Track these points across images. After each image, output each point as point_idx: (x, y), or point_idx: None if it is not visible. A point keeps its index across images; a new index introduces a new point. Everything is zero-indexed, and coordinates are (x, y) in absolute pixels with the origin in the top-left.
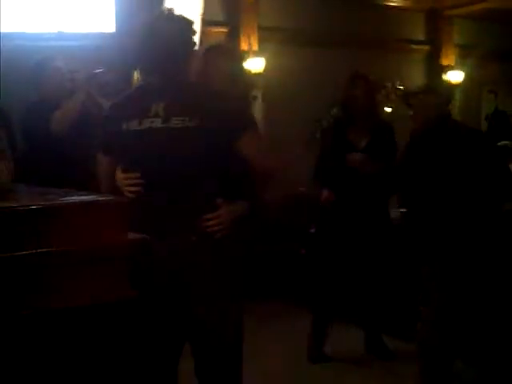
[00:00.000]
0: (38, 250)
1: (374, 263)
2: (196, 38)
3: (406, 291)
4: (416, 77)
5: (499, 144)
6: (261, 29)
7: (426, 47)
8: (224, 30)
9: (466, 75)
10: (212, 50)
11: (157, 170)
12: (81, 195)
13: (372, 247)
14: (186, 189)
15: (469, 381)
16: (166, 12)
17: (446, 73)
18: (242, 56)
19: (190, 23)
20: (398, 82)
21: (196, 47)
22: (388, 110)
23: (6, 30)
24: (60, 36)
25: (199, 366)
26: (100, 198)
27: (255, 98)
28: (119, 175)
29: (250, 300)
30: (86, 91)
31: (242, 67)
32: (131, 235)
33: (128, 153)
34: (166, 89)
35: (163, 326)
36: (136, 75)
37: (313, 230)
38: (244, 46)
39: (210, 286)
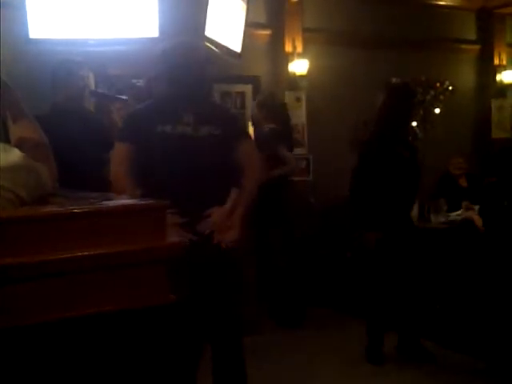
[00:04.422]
0: (79, 254)
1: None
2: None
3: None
4: (467, 77)
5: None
6: (305, 30)
7: (477, 47)
8: (268, 32)
9: None
10: None
11: (183, 170)
12: (119, 199)
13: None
14: (209, 186)
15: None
16: (193, 41)
17: (498, 73)
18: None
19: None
20: (447, 83)
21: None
22: (437, 110)
23: (49, 36)
24: (102, 42)
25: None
26: (139, 202)
27: (299, 99)
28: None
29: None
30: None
31: None
32: (169, 239)
33: (156, 151)
34: (194, 101)
35: (192, 326)
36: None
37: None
38: (288, 48)
39: (229, 277)
